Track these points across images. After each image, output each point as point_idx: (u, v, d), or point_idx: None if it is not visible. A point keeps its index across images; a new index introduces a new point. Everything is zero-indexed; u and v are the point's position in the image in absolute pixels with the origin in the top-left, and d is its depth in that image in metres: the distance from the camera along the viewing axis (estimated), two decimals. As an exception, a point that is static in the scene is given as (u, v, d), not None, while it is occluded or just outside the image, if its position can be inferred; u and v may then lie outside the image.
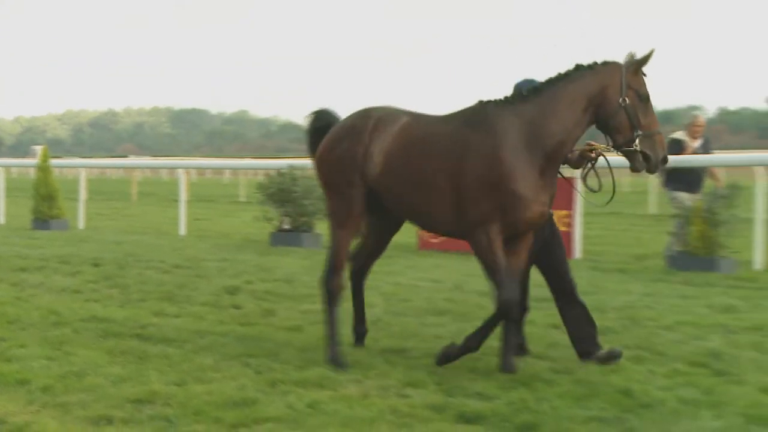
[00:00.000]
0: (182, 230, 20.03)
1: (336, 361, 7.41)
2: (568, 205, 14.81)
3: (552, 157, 7.11)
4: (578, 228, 14.96)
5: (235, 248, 16.66)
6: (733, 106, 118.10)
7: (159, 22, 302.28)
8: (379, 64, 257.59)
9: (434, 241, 16.19)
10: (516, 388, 6.67)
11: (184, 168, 22.88)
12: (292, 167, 17.54)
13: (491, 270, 7.13)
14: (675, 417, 5.88)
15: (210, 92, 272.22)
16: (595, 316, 9.33)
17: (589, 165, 7.55)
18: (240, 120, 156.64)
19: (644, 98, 7.02)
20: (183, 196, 20.52)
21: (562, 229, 14.83)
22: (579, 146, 7.57)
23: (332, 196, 7.82)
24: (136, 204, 33.18)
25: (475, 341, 7.24)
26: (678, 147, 13.37)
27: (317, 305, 10.21)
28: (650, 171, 7.19)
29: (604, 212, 22.55)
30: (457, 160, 7.14)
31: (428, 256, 15.26)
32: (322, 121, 8.13)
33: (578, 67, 7.18)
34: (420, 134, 7.44)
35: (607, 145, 7.23)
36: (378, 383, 6.85)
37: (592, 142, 7.51)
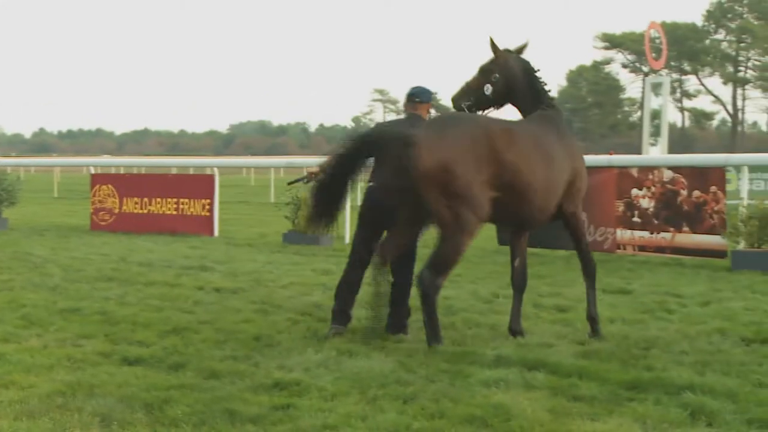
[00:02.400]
0: None
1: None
2: (209, 195, 14.75)
3: None
4: (216, 213, 14.88)
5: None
6: (328, 123, 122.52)
7: None
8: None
9: (103, 223, 15.60)
10: (169, 336, 6.51)
11: None
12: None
13: (587, 240, 6.87)
14: (289, 353, 5.96)
15: None
16: (229, 281, 9.38)
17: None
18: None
19: None
20: None
21: (204, 214, 14.81)
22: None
23: (463, 203, 6.03)
24: None
25: (592, 311, 6.61)
26: None
27: (4, 275, 9.52)
28: None
29: (236, 201, 22.77)
30: (569, 161, 6.54)
31: (98, 235, 14.64)
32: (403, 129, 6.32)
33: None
34: (534, 140, 6.38)
35: None
36: (56, 336, 6.46)
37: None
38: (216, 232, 14.73)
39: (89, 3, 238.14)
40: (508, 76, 6.86)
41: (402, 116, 6.96)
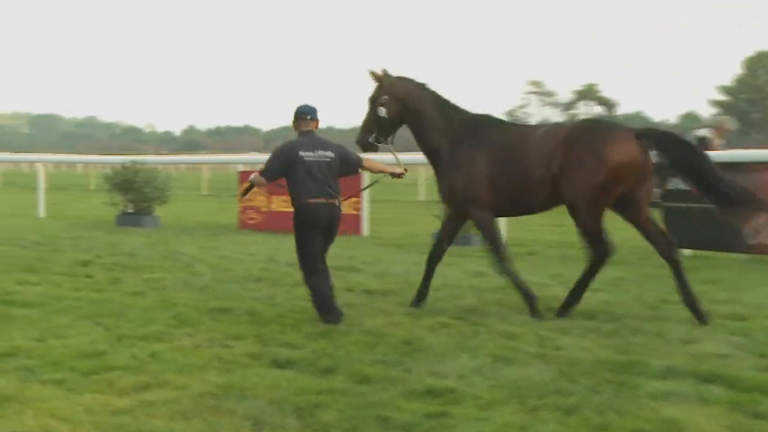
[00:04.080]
0: (41, 213, 19.20)
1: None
2: (358, 192, 14.90)
3: None
4: (365, 212, 15.07)
5: (87, 228, 16.05)
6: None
7: (16, 34, 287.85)
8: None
9: (251, 222, 16.06)
10: (318, 339, 6.64)
11: (42, 162, 21.92)
12: (134, 162, 17.15)
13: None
14: (441, 358, 5.97)
15: (63, 98, 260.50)
16: (379, 282, 9.49)
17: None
18: (89, 124, 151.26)
19: None
20: (42, 184, 19.65)
21: (353, 212, 15.02)
22: None
23: None
24: (1, 192, 31.52)
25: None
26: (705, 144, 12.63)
27: (156, 274, 9.98)
28: None
29: (383, 199, 22.99)
30: None
31: (246, 234, 15.10)
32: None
33: None
34: None
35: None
36: (206, 337, 6.71)
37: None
38: (365, 231, 14.90)
39: (234, 3, 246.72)
40: (396, 94, 7.95)
41: (302, 134, 7.76)
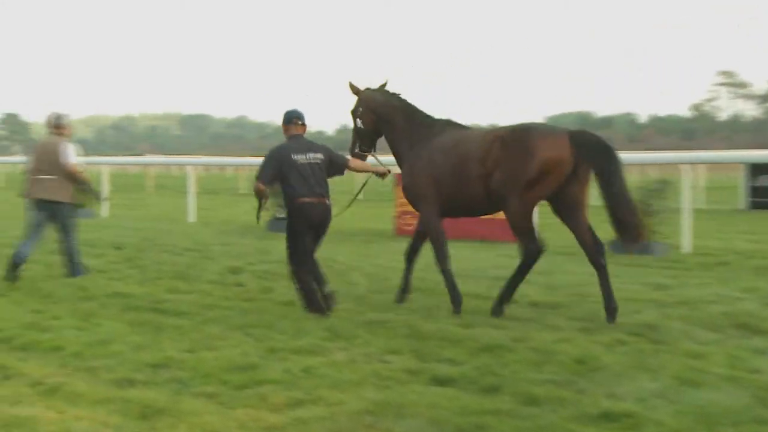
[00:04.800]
0: (191, 218, 19.97)
1: None
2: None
3: None
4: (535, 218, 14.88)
5: (237, 234, 16.61)
6: (662, 113, 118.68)
7: (167, 35, 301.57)
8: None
9: (409, 228, 16.13)
10: (481, 354, 6.64)
11: (193, 164, 22.79)
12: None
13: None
14: (618, 379, 5.86)
15: (214, 99, 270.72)
16: (548, 294, 9.39)
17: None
18: (240, 124, 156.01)
19: None
20: (192, 188, 20.43)
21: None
22: None
23: None
24: (152, 195, 33.01)
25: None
26: None
27: (309, 283, 10.21)
28: None
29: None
30: None
31: (404, 241, 15.18)
32: None
33: None
34: None
35: None
36: (362, 351, 6.81)
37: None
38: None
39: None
40: (369, 106, 8.96)
41: (292, 137, 8.78)
